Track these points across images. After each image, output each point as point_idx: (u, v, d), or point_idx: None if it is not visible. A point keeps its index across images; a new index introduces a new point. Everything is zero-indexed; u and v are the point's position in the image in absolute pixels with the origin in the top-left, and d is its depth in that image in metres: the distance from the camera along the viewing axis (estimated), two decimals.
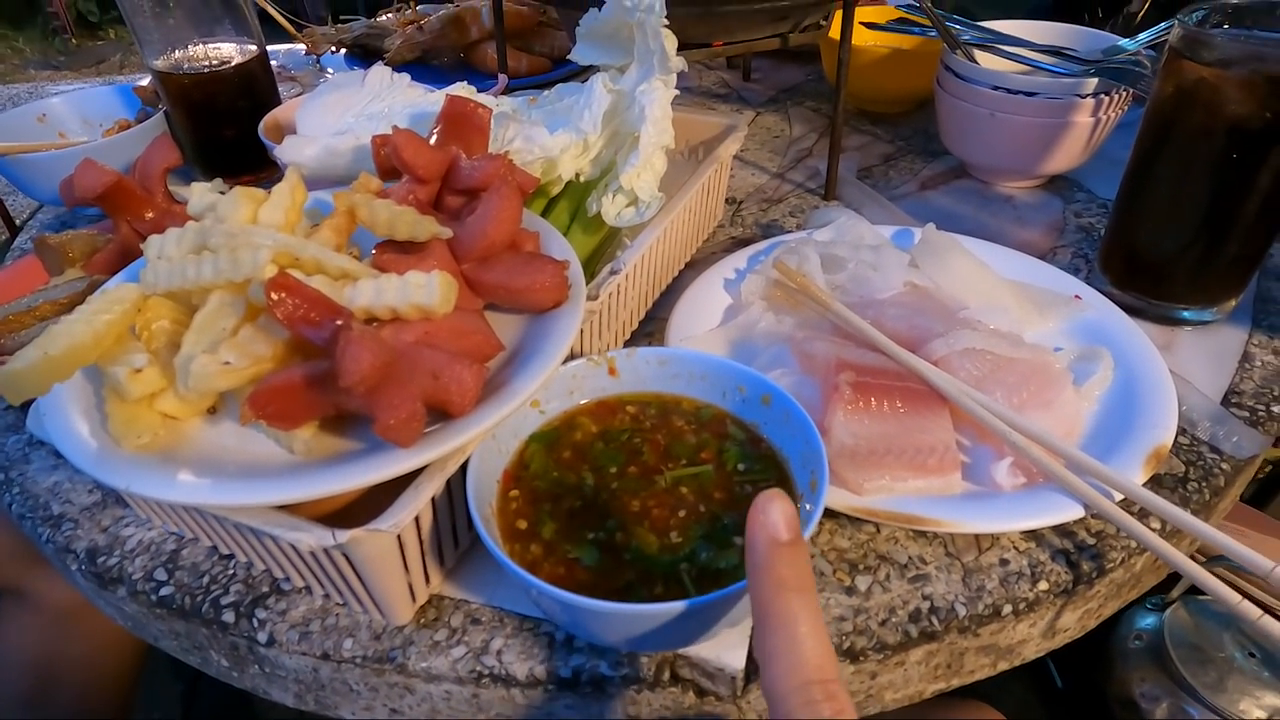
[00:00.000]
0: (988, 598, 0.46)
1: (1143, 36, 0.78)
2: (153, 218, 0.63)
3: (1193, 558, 0.46)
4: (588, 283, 0.53)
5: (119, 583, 0.50)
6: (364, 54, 1.10)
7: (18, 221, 2.11)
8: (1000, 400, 0.52)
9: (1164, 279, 0.64)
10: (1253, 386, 0.59)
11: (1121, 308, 0.62)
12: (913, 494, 0.49)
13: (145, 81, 1.02)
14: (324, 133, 0.63)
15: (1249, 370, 0.61)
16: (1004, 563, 0.47)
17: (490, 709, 0.45)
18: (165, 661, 1.15)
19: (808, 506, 0.41)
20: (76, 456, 0.40)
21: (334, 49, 1.12)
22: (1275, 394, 0.59)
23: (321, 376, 0.39)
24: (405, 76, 0.68)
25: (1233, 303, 0.65)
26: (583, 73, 1.03)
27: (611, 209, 0.59)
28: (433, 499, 0.41)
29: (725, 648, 0.43)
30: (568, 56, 0.68)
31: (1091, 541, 0.48)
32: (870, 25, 0.91)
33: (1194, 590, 0.93)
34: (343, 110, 0.66)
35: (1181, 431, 0.56)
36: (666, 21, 0.57)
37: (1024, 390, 0.53)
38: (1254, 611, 0.45)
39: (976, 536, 0.49)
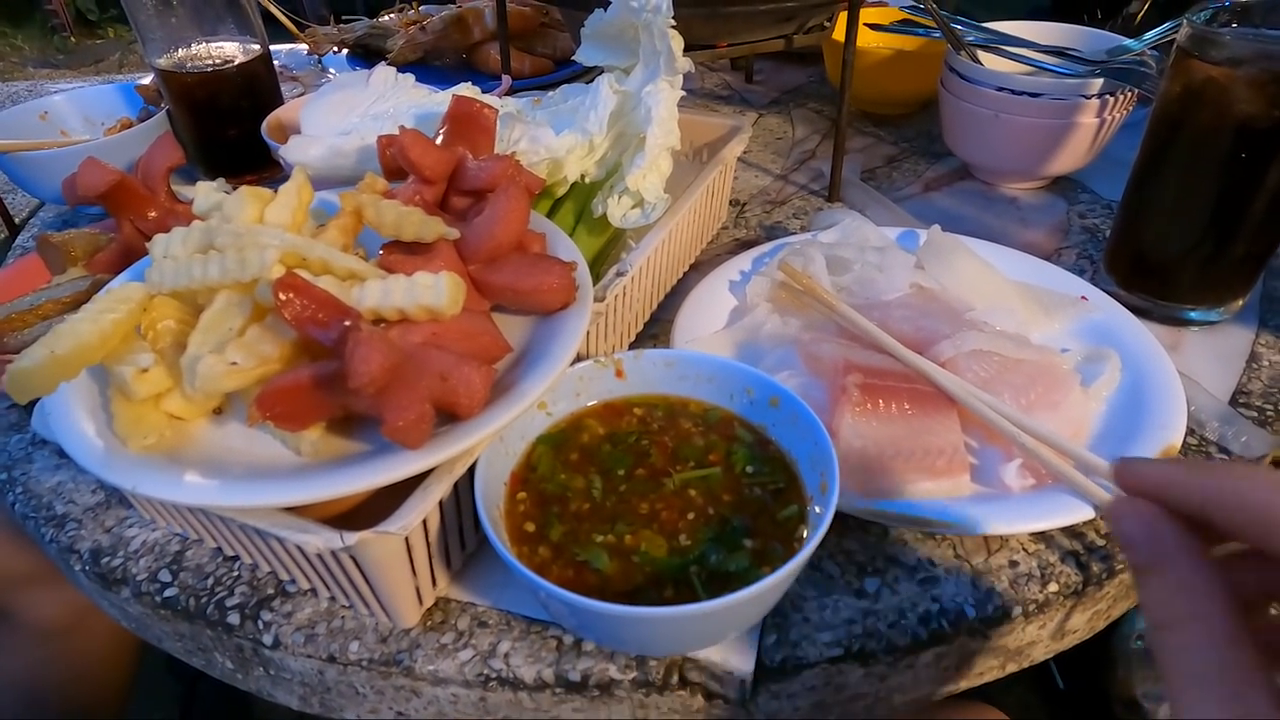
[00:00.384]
0: (997, 600, 0.45)
1: (1148, 36, 0.78)
2: (155, 216, 0.63)
3: None
4: (594, 284, 0.52)
5: (123, 584, 0.49)
6: (366, 54, 1.10)
7: (17, 220, 2.11)
8: (1008, 401, 0.52)
9: (1170, 279, 0.64)
10: (1260, 386, 0.59)
11: (1128, 308, 0.62)
12: (922, 496, 0.49)
13: (147, 80, 1.02)
14: (329, 133, 0.62)
15: (1256, 370, 0.61)
16: (1013, 564, 0.47)
17: (497, 712, 0.45)
18: (161, 667, 1.14)
19: (818, 509, 0.41)
20: (82, 457, 0.40)
21: (336, 49, 1.12)
22: (1245, 440, 0.58)
23: (329, 377, 0.39)
24: (410, 77, 0.68)
25: (1240, 303, 0.65)
26: (585, 74, 1.03)
27: (617, 210, 0.59)
28: (440, 501, 0.41)
29: (734, 651, 0.43)
30: (572, 57, 0.68)
31: (1100, 542, 0.48)
32: (874, 26, 0.91)
33: None
34: (347, 110, 0.65)
35: (1190, 432, 0.56)
36: (673, 22, 0.56)
37: (1031, 391, 0.53)
38: None
39: (985, 538, 0.49)
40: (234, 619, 0.46)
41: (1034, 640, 0.48)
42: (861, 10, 0.74)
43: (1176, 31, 0.59)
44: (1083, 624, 0.49)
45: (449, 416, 0.41)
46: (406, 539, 0.40)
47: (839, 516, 0.49)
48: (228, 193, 0.52)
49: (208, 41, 0.84)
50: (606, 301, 0.54)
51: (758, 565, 0.40)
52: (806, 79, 1.14)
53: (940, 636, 0.44)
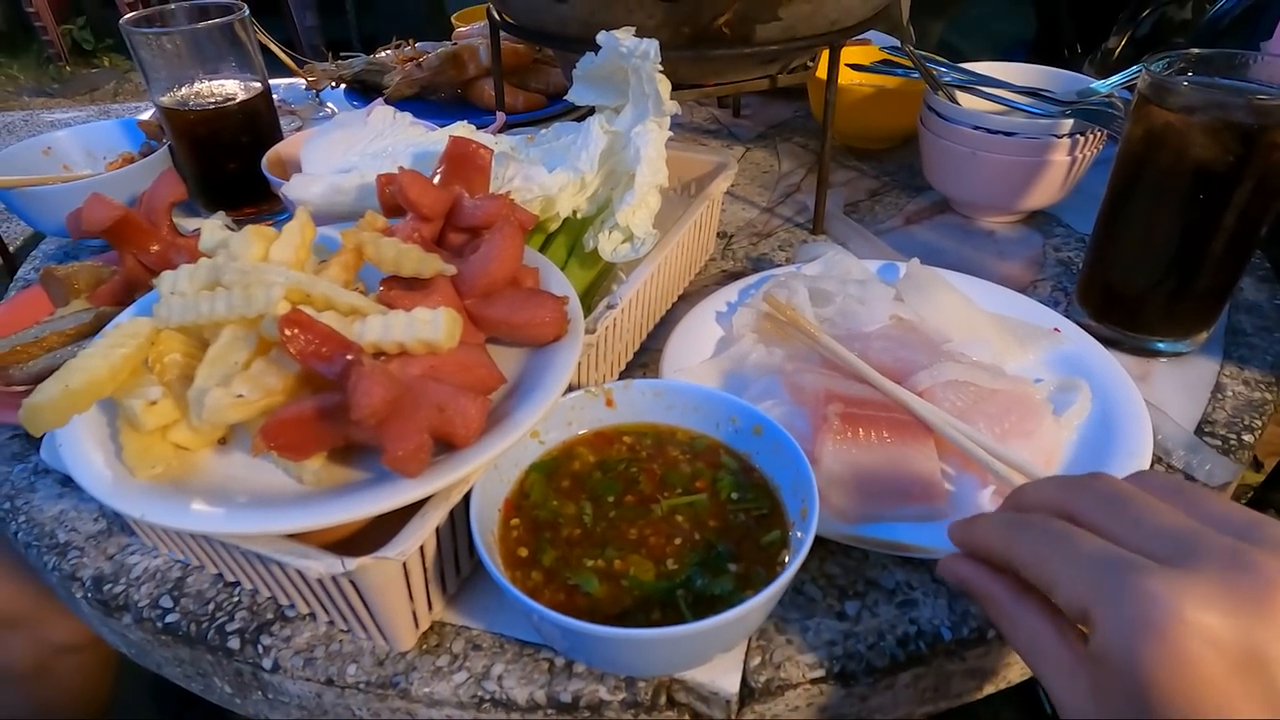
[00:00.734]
0: (972, 622, 0.47)
1: (1114, 79, 0.82)
2: (158, 250, 0.64)
3: None
4: (585, 316, 0.55)
5: (124, 610, 0.50)
6: (363, 89, 1.13)
7: (11, 248, 2.12)
8: (983, 430, 0.54)
9: (1139, 312, 0.66)
10: (1225, 416, 0.62)
11: (1099, 339, 0.64)
12: (901, 522, 0.50)
13: (147, 115, 1.04)
14: (329, 170, 0.65)
15: (1221, 400, 0.63)
16: None
17: None
18: (153, 687, 1.14)
19: (799, 534, 0.43)
20: (92, 486, 0.41)
21: (334, 84, 1.15)
22: (1246, 423, 0.61)
23: (332, 409, 0.41)
24: (407, 115, 0.70)
25: (1205, 335, 0.67)
26: (577, 109, 1.06)
27: (608, 245, 0.61)
28: (437, 528, 0.42)
29: (720, 671, 0.45)
30: (564, 96, 0.70)
31: None
32: (855, 66, 0.94)
33: None
34: (346, 148, 0.68)
35: (1157, 459, 0.58)
36: (661, 67, 0.59)
37: (1006, 420, 0.55)
38: None
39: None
40: (234, 643, 0.48)
41: (1010, 661, 0.50)
42: (843, 50, 0.77)
43: (1139, 77, 0.62)
44: None
45: (446, 445, 0.43)
46: (404, 564, 0.41)
47: (821, 541, 0.51)
48: (231, 228, 0.54)
49: (210, 79, 0.86)
50: (597, 333, 0.56)
51: (742, 589, 0.41)
52: (793, 114, 1.18)
53: (918, 658, 0.46)
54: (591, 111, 0.69)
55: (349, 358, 0.40)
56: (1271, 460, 0.96)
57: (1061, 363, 0.64)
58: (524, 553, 0.44)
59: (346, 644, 0.47)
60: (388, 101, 1.01)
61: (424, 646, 0.47)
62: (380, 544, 0.40)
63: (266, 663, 0.47)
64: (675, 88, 0.61)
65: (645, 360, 0.69)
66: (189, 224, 0.90)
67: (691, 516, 0.46)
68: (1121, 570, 0.32)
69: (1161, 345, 0.67)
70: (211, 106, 0.85)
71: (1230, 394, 0.64)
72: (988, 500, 0.52)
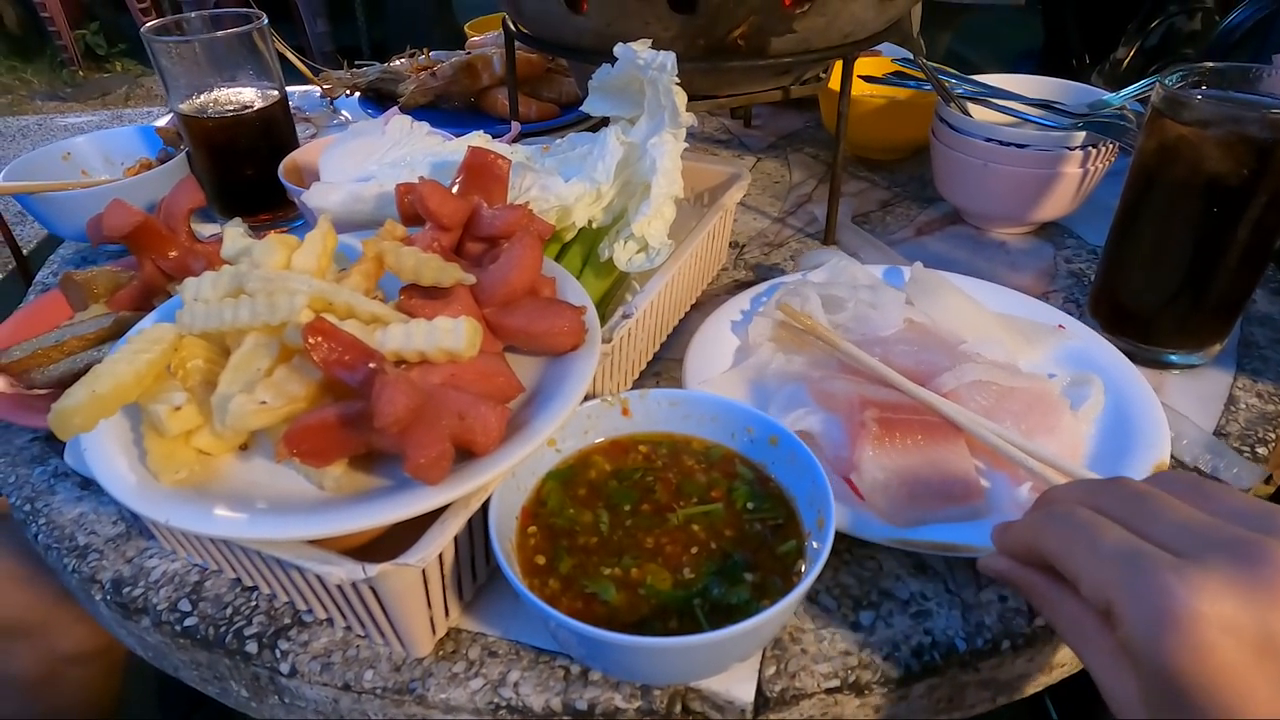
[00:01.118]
0: (986, 633, 0.47)
1: (1126, 92, 0.82)
2: (176, 256, 0.65)
3: None
4: (600, 325, 0.55)
5: (143, 613, 0.51)
6: (378, 98, 1.14)
7: (25, 251, 2.14)
8: (1010, 428, 0.55)
9: (1151, 325, 0.67)
10: (1238, 428, 0.62)
11: None
12: (944, 523, 0.51)
13: (164, 121, 1.06)
14: (347, 179, 0.65)
15: (1234, 413, 0.63)
16: (1002, 599, 0.49)
17: None
18: (159, 693, 1.14)
19: (815, 545, 0.43)
20: (117, 490, 0.42)
21: (349, 92, 1.16)
22: (1260, 435, 0.61)
23: (354, 416, 0.41)
24: (424, 125, 0.71)
25: (1218, 347, 0.68)
26: (589, 119, 1.07)
27: (623, 255, 0.61)
28: (455, 535, 0.43)
29: (735, 681, 0.45)
30: (580, 108, 0.71)
31: None
32: (867, 78, 0.95)
33: None
34: (364, 157, 0.68)
35: (1181, 464, 0.59)
36: (678, 79, 0.60)
37: (1029, 418, 0.56)
38: None
39: (975, 571, 0.51)
40: (252, 647, 0.48)
41: (1023, 673, 0.50)
42: (855, 62, 0.78)
43: (1152, 89, 0.62)
44: (1070, 657, 0.51)
45: (464, 453, 0.43)
46: (423, 571, 0.42)
47: (835, 551, 0.52)
48: (248, 234, 0.54)
49: (228, 87, 0.87)
50: (613, 343, 0.56)
51: (758, 598, 0.42)
52: (803, 124, 1.19)
53: (932, 669, 0.46)
54: (604, 122, 0.69)
55: (372, 366, 0.40)
56: None
57: (1069, 358, 0.65)
58: (541, 560, 0.44)
59: (364, 649, 0.47)
60: (402, 110, 1.01)
61: (441, 653, 0.47)
62: (396, 550, 0.41)
63: (284, 667, 0.47)
64: (689, 98, 0.62)
65: (659, 369, 0.69)
66: (205, 230, 0.91)
67: (707, 526, 0.46)
68: (1140, 564, 0.33)
69: (1174, 358, 0.67)
70: (229, 114, 0.86)
71: (1243, 406, 0.64)
72: (1025, 496, 0.53)
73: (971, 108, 0.87)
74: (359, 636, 0.48)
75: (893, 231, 0.91)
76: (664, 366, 0.69)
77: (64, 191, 0.85)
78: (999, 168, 0.81)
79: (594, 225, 0.65)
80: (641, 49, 0.60)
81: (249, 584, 0.51)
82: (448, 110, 1.12)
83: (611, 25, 0.68)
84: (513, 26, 0.83)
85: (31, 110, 3.94)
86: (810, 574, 0.39)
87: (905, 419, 0.54)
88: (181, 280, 0.64)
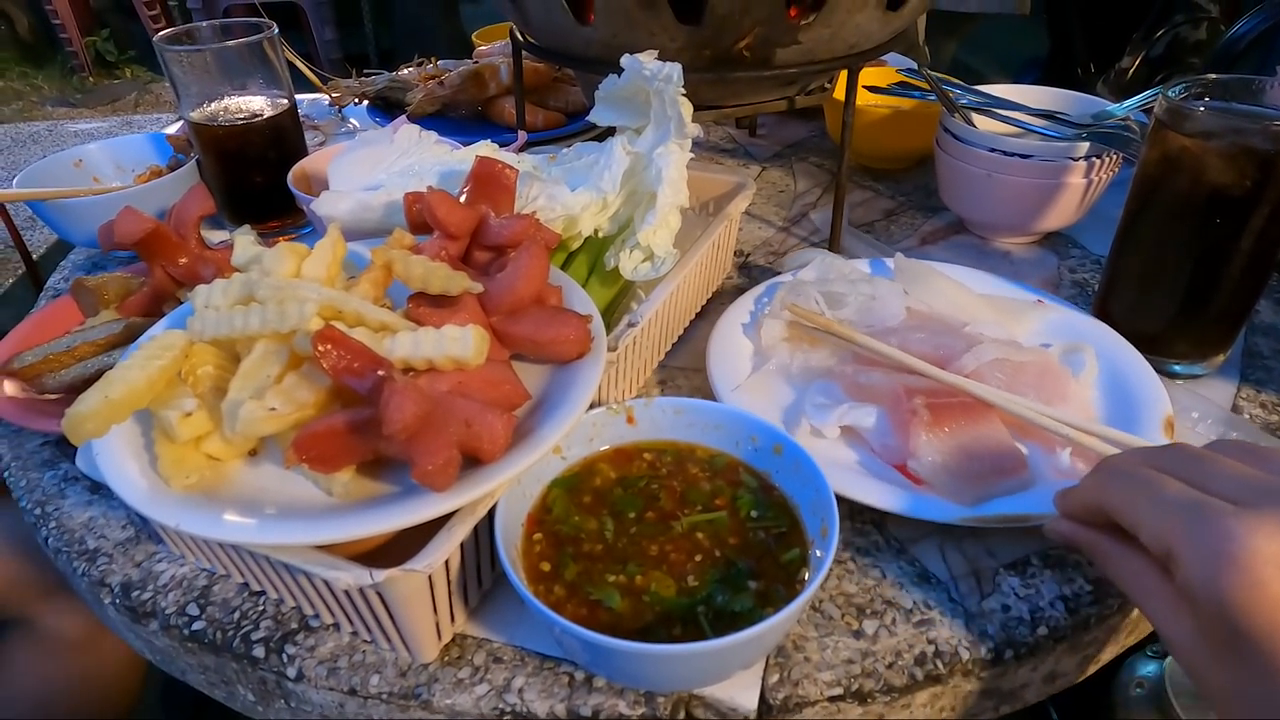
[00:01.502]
0: (989, 642, 0.48)
1: (1130, 103, 0.82)
2: (186, 263, 0.66)
3: None
4: (606, 333, 0.55)
5: (152, 616, 0.51)
6: (385, 106, 1.15)
7: (35, 257, 2.16)
8: (1033, 400, 0.57)
9: (1155, 335, 0.67)
10: (1242, 438, 0.62)
11: None
12: (1001, 497, 0.53)
13: (174, 129, 1.07)
14: (356, 187, 0.66)
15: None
16: (1005, 608, 0.49)
17: None
18: (163, 696, 1.15)
19: (818, 553, 0.44)
20: (129, 495, 0.42)
21: (357, 100, 1.17)
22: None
23: (362, 423, 0.42)
24: (433, 134, 0.72)
25: (1221, 358, 0.68)
26: (595, 128, 1.07)
27: (629, 264, 0.62)
28: (461, 541, 0.43)
29: (739, 688, 0.45)
30: (586, 117, 0.71)
31: (1089, 587, 0.50)
32: (872, 88, 0.95)
33: None
34: (373, 165, 0.69)
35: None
36: (684, 90, 0.60)
37: (1043, 388, 0.59)
38: None
39: (978, 580, 0.51)
40: (259, 652, 0.48)
41: (1026, 682, 0.50)
42: (860, 72, 0.78)
43: (1156, 100, 0.63)
44: (1072, 667, 0.51)
45: (471, 460, 0.44)
46: (430, 577, 0.42)
47: (838, 560, 0.52)
48: (258, 241, 0.55)
49: (238, 95, 0.88)
50: (618, 351, 0.57)
51: (762, 606, 0.42)
52: (808, 133, 1.19)
53: (935, 677, 0.46)
54: (610, 131, 0.70)
55: (380, 373, 0.41)
56: None
57: (1054, 331, 0.68)
58: (546, 567, 0.45)
59: (370, 654, 0.48)
60: (410, 118, 1.02)
61: (446, 658, 0.47)
62: (401, 556, 0.41)
63: (291, 671, 0.48)
64: (695, 108, 0.62)
65: (663, 377, 0.69)
66: (214, 237, 0.91)
67: (712, 534, 0.46)
68: (1200, 511, 0.36)
69: (1178, 368, 0.67)
70: (240, 122, 0.87)
71: (1247, 416, 0.64)
72: (1065, 462, 0.55)
73: (976, 118, 0.87)
74: (365, 641, 0.48)
75: (897, 240, 0.91)
76: (668, 374, 0.70)
77: (76, 198, 0.85)
78: (1003, 178, 0.82)
79: (600, 234, 0.65)
80: (648, 60, 0.61)
81: (256, 589, 0.52)
82: (455, 119, 1.13)
83: (618, 36, 0.69)
84: (520, 36, 0.84)
85: (42, 116, 3.97)
86: (814, 582, 0.40)
87: (945, 403, 0.56)
88: (191, 286, 0.65)
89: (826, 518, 0.44)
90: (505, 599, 0.51)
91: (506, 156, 0.66)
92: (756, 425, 0.50)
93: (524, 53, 0.86)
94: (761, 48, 0.69)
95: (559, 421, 0.46)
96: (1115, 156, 0.80)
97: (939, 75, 0.88)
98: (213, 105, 0.87)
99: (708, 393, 0.63)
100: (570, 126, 1.10)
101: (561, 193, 0.62)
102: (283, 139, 0.90)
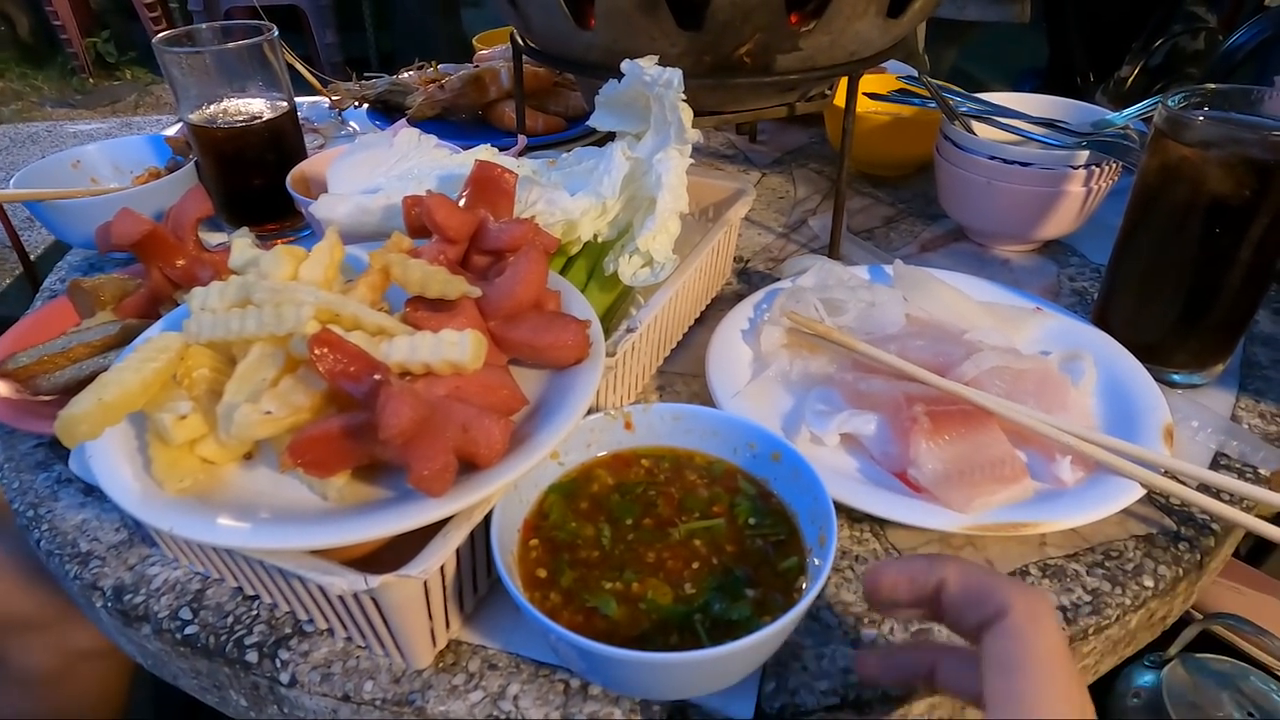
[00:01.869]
0: None
1: (1129, 111, 0.82)
2: (183, 265, 0.66)
3: (1188, 613, 0.49)
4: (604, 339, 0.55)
5: (144, 620, 0.51)
6: (386, 109, 1.15)
7: (32, 256, 2.15)
8: (1033, 407, 0.57)
9: (1154, 344, 0.67)
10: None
11: None
12: (1000, 505, 0.53)
13: (173, 130, 1.06)
14: (355, 190, 0.66)
15: None
16: None
17: None
18: (155, 701, 1.14)
19: (816, 561, 0.43)
20: (122, 499, 0.42)
21: (357, 104, 1.17)
22: (1262, 456, 0.61)
23: (358, 428, 0.41)
24: (432, 138, 0.72)
25: (1220, 367, 0.68)
26: (595, 133, 1.07)
27: (628, 269, 0.62)
28: (457, 547, 0.43)
29: (735, 697, 0.45)
30: (587, 122, 0.71)
31: (1088, 598, 0.50)
32: (873, 95, 0.95)
33: (1192, 647, 0.94)
34: (371, 169, 0.69)
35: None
36: (684, 96, 0.60)
37: (1043, 396, 0.59)
38: None
39: None
40: (252, 657, 0.48)
41: None
42: (861, 79, 0.78)
43: (1155, 109, 0.63)
44: None
45: (467, 465, 0.43)
46: (425, 583, 0.42)
47: (836, 569, 0.52)
48: (256, 244, 0.55)
49: (238, 98, 0.88)
50: (616, 357, 0.56)
51: (759, 614, 0.42)
52: (808, 140, 1.19)
53: (933, 688, 0.46)
54: (610, 136, 0.70)
55: (377, 377, 0.41)
56: None
57: (1052, 338, 0.68)
58: (543, 574, 0.44)
59: (364, 660, 0.47)
60: (410, 122, 1.02)
61: (441, 665, 0.47)
62: (398, 561, 0.41)
63: (284, 677, 0.47)
64: (695, 114, 0.62)
65: (662, 383, 0.69)
66: (212, 239, 0.91)
67: (709, 541, 0.46)
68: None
69: (1177, 377, 0.67)
70: (239, 124, 0.87)
71: (1246, 426, 0.64)
72: (1066, 470, 0.55)
73: (976, 125, 0.87)
74: (359, 647, 0.48)
75: (897, 248, 0.91)
76: (667, 380, 0.69)
77: (73, 199, 0.85)
78: (1003, 185, 0.82)
79: (599, 239, 0.65)
80: (648, 65, 0.61)
81: (250, 593, 0.51)
82: (455, 123, 1.13)
83: (618, 41, 0.69)
84: (521, 41, 0.84)
85: (41, 116, 3.96)
86: (812, 591, 0.39)
87: (945, 410, 0.56)
88: (188, 289, 0.65)
89: (825, 526, 0.43)
90: (500, 605, 0.50)
91: (506, 161, 0.66)
92: (755, 432, 0.50)
93: (524, 57, 0.86)
94: (762, 54, 0.69)
95: (557, 427, 0.46)
96: (1115, 165, 0.80)
97: (939, 83, 0.88)
98: (212, 107, 0.87)
99: (706, 399, 0.63)
100: (570, 131, 1.10)
101: (561, 197, 0.61)
102: (282, 142, 0.90)
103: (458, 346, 0.43)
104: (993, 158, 0.81)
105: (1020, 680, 0.34)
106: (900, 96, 0.94)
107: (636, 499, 0.49)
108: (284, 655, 0.48)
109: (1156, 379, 0.67)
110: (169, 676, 0.54)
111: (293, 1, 3.67)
